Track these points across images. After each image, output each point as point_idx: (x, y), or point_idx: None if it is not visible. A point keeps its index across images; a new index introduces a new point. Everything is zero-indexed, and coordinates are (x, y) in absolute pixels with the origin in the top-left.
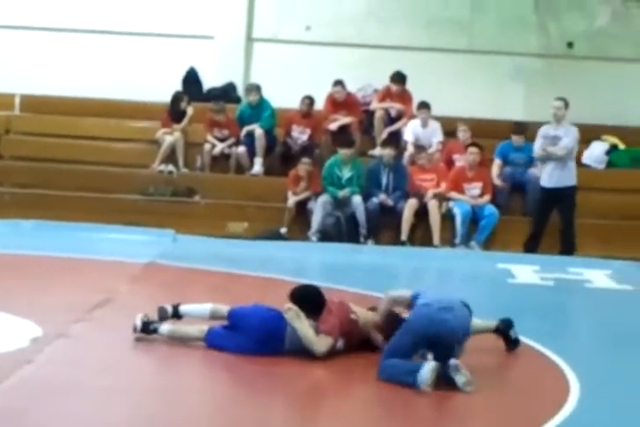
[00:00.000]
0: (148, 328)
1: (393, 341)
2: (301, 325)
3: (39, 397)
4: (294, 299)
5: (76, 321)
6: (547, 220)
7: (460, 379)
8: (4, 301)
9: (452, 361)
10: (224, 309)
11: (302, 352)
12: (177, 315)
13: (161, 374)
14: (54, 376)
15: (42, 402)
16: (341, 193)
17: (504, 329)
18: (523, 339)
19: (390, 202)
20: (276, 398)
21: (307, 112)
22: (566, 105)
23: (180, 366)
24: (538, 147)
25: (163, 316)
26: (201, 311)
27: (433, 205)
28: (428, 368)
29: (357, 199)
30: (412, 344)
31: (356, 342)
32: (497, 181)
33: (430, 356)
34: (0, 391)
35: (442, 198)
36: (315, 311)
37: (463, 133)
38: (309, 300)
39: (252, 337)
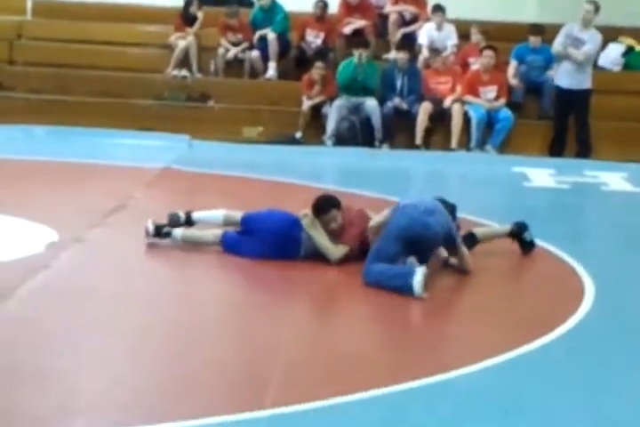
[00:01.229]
0: (160, 232)
1: (377, 244)
2: (317, 232)
3: (56, 302)
4: (313, 209)
5: (92, 226)
6: (567, 122)
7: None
8: (19, 206)
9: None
10: (237, 214)
11: (317, 258)
12: (189, 222)
13: (177, 279)
14: (70, 282)
15: (58, 308)
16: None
17: (518, 232)
18: (538, 242)
19: (405, 105)
20: (293, 301)
21: (320, 16)
22: (597, 9)
23: (195, 271)
24: (559, 43)
25: (174, 222)
26: (214, 218)
27: (456, 110)
28: (420, 274)
29: (372, 103)
30: (396, 247)
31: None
32: (512, 81)
33: (413, 259)
34: (17, 297)
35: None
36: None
37: (477, 36)
38: (326, 210)
39: (266, 242)
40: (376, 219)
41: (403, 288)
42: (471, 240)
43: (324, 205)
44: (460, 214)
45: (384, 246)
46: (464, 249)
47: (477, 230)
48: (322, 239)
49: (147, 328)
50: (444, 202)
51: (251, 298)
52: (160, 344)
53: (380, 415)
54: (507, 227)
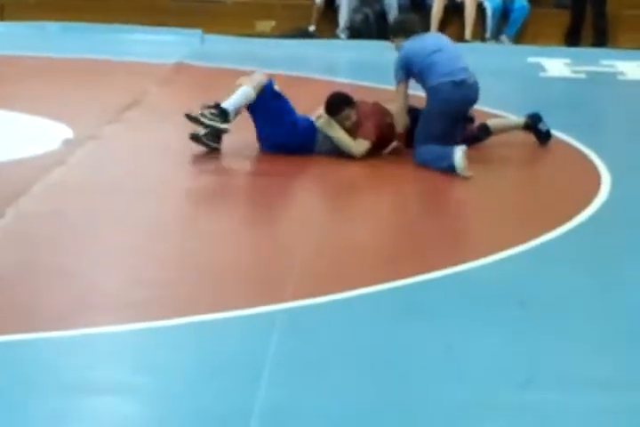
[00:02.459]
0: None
1: (422, 126)
2: (334, 131)
3: (72, 198)
4: (326, 109)
5: (107, 123)
6: (584, 10)
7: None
8: (33, 104)
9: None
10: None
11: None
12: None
13: (195, 175)
14: (87, 178)
15: (75, 203)
16: None
17: (533, 123)
18: (554, 133)
19: None
20: (314, 194)
21: None
22: None
23: (212, 166)
24: None
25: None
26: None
27: (469, 0)
28: (461, 153)
29: None
30: (441, 126)
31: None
32: None
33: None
34: (33, 193)
35: None
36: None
37: None
38: (339, 110)
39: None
40: (396, 104)
41: (447, 168)
42: (485, 132)
43: (337, 105)
44: (475, 106)
45: (429, 127)
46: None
47: (491, 122)
48: (341, 137)
49: (164, 224)
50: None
51: (268, 195)
52: (178, 240)
53: (396, 306)
54: (521, 120)
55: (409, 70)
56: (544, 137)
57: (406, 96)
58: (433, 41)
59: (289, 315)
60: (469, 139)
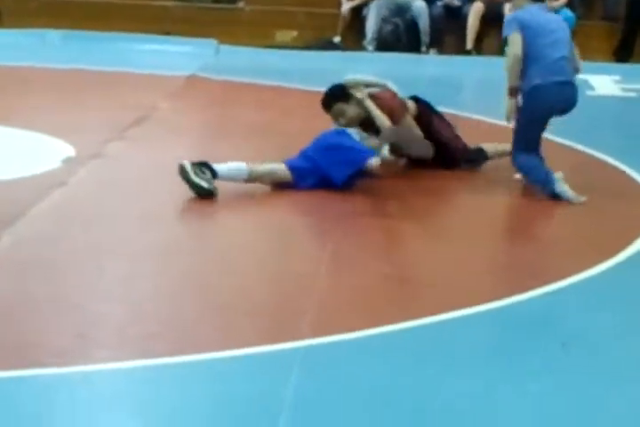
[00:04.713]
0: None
1: (520, 130)
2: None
3: (73, 222)
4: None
5: (112, 140)
6: (637, 22)
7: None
8: (32, 119)
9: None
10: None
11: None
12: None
13: (202, 199)
14: (88, 200)
15: (77, 228)
16: None
17: None
18: (602, 156)
19: (456, 2)
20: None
21: None
22: None
23: (225, 188)
24: None
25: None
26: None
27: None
28: (561, 182)
29: (419, 3)
30: (537, 131)
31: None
32: None
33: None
34: (31, 217)
35: None
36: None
37: None
38: (328, 101)
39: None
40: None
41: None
42: (481, 155)
43: (328, 100)
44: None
45: (528, 132)
46: None
47: (485, 145)
48: (377, 114)
49: (171, 251)
50: (418, 99)
51: (289, 222)
52: (186, 269)
53: (424, 346)
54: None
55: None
56: None
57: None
58: (556, 22)
59: (307, 353)
60: (463, 159)
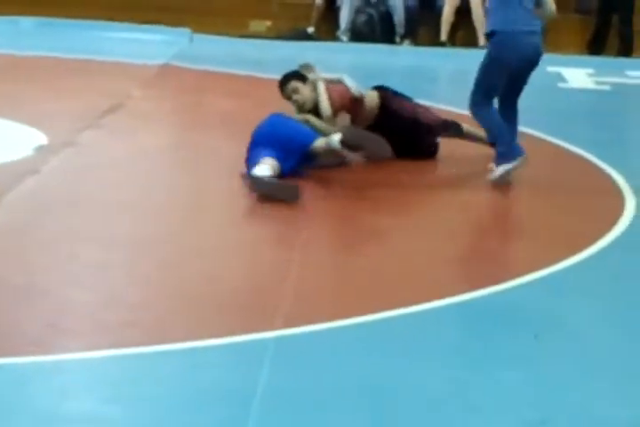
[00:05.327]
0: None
1: (480, 73)
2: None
3: (45, 211)
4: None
5: (85, 128)
6: (610, 15)
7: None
8: (4, 106)
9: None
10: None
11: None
12: None
13: (176, 189)
14: (61, 188)
15: (47, 216)
16: None
17: None
18: (575, 149)
19: None
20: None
21: None
22: None
23: (198, 176)
24: None
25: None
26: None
27: (476, 2)
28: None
29: None
30: (499, 79)
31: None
32: None
33: None
34: (4, 203)
35: None
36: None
37: None
38: (285, 78)
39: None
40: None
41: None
42: (456, 128)
43: (284, 77)
44: None
45: (487, 76)
46: None
47: (464, 125)
48: (314, 121)
49: (143, 240)
50: (381, 88)
51: (258, 211)
52: (158, 257)
53: (399, 336)
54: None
55: None
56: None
57: None
58: None
59: (280, 343)
60: (439, 127)
